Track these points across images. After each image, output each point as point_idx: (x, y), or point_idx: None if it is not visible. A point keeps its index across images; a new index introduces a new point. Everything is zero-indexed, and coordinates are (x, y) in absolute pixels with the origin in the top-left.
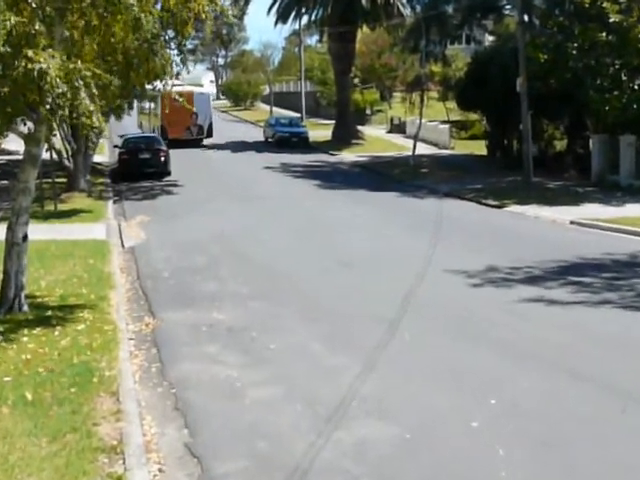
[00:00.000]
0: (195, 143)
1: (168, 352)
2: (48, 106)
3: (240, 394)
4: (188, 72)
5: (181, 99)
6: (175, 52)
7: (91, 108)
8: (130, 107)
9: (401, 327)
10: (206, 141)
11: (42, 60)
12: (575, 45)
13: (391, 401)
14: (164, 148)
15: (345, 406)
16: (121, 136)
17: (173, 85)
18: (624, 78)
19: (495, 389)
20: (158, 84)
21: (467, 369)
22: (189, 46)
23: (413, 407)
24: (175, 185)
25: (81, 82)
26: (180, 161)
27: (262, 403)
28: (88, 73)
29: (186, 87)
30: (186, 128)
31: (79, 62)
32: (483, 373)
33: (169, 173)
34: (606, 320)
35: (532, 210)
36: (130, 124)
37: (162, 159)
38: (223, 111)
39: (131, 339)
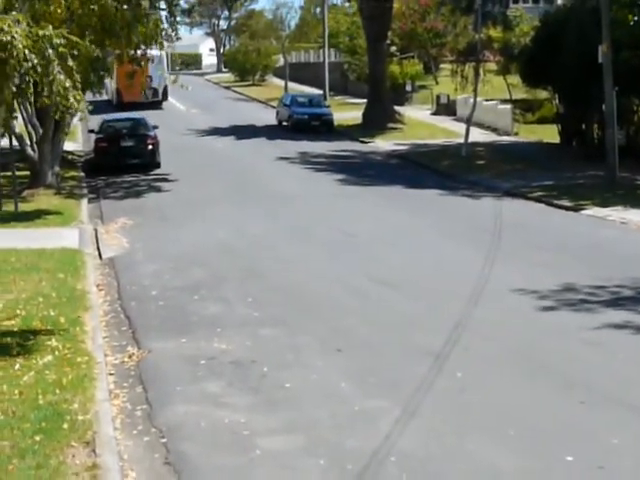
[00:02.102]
0: (151, 106)
1: (157, 391)
2: (14, 84)
3: (248, 445)
4: (179, 38)
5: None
6: (164, 13)
7: (67, 84)
8: (100, 82)
9: (451, 362)
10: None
11: (6, 27)
12: None
13: (439, 460)
14: (152, 134)
15: (379, 463)
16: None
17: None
18: None
19: (573, 445)
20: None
21: (536, 417)
22: (183, 5)
23: (467, 469)
24: (166, 180)
25: (52, 52)
26: (171, 150)
27: (275, 457)
28: (61, 41)
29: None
30: (140, 91)
31: (50, 27)
32: (556, 423)
33: (158, 165)
34: None
35: (617, 214)
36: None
37: (149, 147)
38: (225, 87)
39: (111, 374)
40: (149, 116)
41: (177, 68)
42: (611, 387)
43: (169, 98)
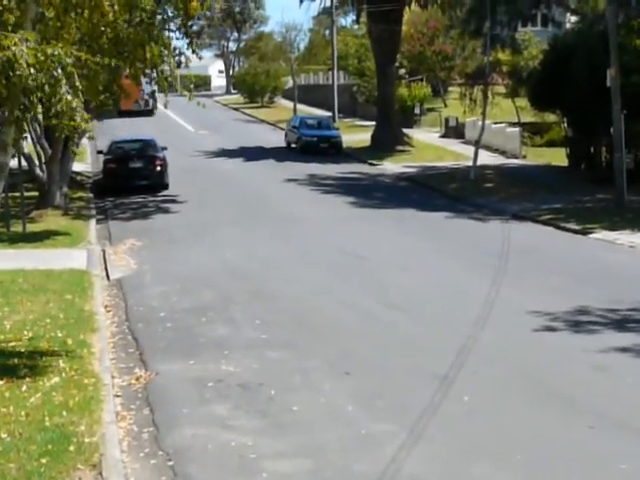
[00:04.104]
0: (144, 114)
1: (164, 413)
2: (19, 103)
3: (255, 469)
4: (199, 58)
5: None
6: (176, 35)
7: (73, 104)
8: (116, 104)
9: (458, 385)
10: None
11: (12, 45)
12: None
13: None
14: (160, 155)
15: None
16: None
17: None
18: None
19: (580, 470)
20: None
21: (543, 442)
22: (194, 27)
23: None
24: (174, 201)
25: (61, 72)
26: (180, 171)
27: None
28: (69, 60)
29: None
30: (135, 101)
31: (59, 47)
32: (564, 448)
33: (166, 186)
34: None
35: (625, 238)
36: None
37: (158, 169)
38: (234, 108)
39: (117, 396)
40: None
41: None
42: (619, 412)
43: (178, 119)
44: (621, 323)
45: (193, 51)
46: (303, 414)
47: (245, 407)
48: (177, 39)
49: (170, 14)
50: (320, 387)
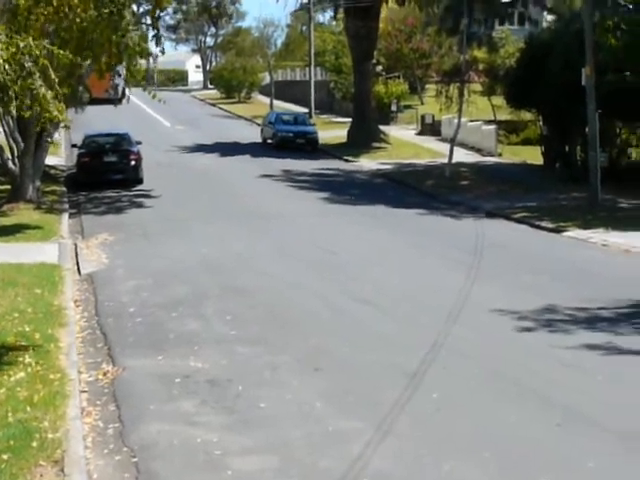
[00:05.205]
0: (114, 102)
1: (130, 409)
2: None
3: (220, 465)
4: (163, 53)
5: None
6: (147, 28)
7: (48, 96)
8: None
9: (428, 382)
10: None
11: None
12: None
13: None
14: (135, 149)
15: None
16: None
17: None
18: None
19: (548, 468)
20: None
21: (512, 439)
22: (169, 21)
23: None
24: (148, 196)
25: (32, 64)
26: (155, 166)
27: (247, 477)
28: (41, 52)
29: None
30: (105, 90)
31: (30, 39)
32: (533, 445)
33: (141, 181)
34: None
35: (599, 236)
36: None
37: (132, 163)
38: (211, 103)
39: (84, 391)
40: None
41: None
42: (588, 409)
43: (155, 114)
44: (592, 321)
45: (157, 44)
46: (271, 410)
47: (212, 403)
48: (147, 31)
49: (143, 7)
50: (289, 383)
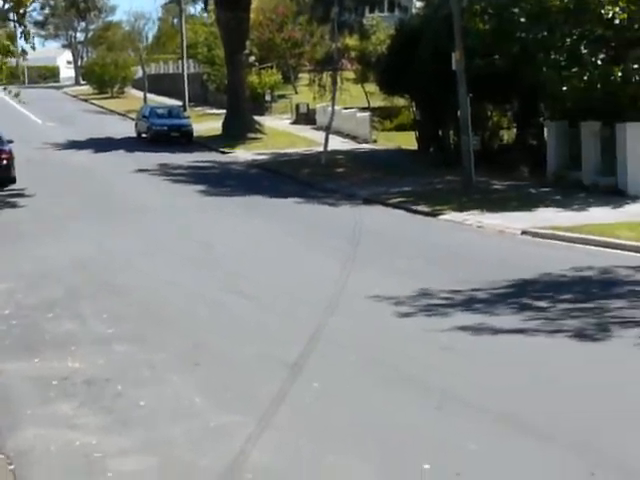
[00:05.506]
0: None
1: (6, 415)
2: None
3: (99, 468)
4: (34, 49)
5: None
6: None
7: None
8: None
9: (308, 372)
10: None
11: None
12: (523, 11)
13: (296, 473)
14: (7, 148)
15: None
16: None
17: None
18: (584, 51)
19: (430, 452)
20: None
21: (393, 426)
22: (37, 17)
23: None
24: (21, 195)
25: None
26: (27, 164)
27: (128, 479)
28: None
29: None
30: None
31: None
32: (414, 431)
33: (13, 180)
34: (561, 354)
35: (474, 218)
36: None
37: (4, 162)
38: (84, 99)
39: None
40: None
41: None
42: (467, 392)
43: (25, 111)
44: (468, 303)
45: (26, 40)
46: (150, 409)
47: (90, 404)
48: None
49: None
50: (168, 380)
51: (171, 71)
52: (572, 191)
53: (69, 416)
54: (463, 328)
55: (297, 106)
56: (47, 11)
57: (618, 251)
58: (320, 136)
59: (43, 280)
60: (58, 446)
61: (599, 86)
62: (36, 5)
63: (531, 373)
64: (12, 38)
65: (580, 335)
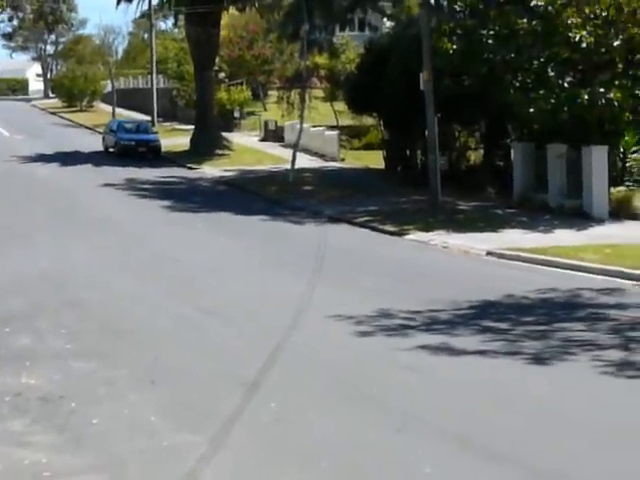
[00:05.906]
0: None
1: None
2: None
3: None
4: None
5: None
6: None
7: None
8: None
9: (265, 391)
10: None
11: None
12: (491, 33)
13: None
14: None
15: None
16: None
17: None
18: (551, 74)
19: (386, 475)
20: None
21: (350, 447)
22: (6, 29)
23: None
24: None
25: None
26: None
27: None
28: None
29: None
30: None
31: None
32: (371, 453)
33: None
34: (520, 376)
35: (439, 238)
36: None
37: None
38: (52, 112)
39: None
40: None
41: None
42: (427, 413)
43: None
44: (430, 323)
45: None
46: (104, 427)
47: (43, 422)
48: None
49: None
50: (125, 398)
51: (141, 86)
52: (538, 213)
53: (20, 433)
54: (424, 348)
55: (266, 123)
56: (15, 23)
57: (582, 273)
58: (288, 153)
59: (2, 293)
60: (6, 465)
61: (566, 109)
62: (4, 17)
63: (490, 394)
64: None
65: (539, 358)
